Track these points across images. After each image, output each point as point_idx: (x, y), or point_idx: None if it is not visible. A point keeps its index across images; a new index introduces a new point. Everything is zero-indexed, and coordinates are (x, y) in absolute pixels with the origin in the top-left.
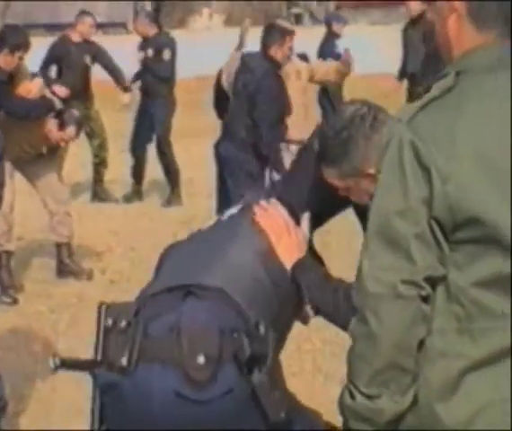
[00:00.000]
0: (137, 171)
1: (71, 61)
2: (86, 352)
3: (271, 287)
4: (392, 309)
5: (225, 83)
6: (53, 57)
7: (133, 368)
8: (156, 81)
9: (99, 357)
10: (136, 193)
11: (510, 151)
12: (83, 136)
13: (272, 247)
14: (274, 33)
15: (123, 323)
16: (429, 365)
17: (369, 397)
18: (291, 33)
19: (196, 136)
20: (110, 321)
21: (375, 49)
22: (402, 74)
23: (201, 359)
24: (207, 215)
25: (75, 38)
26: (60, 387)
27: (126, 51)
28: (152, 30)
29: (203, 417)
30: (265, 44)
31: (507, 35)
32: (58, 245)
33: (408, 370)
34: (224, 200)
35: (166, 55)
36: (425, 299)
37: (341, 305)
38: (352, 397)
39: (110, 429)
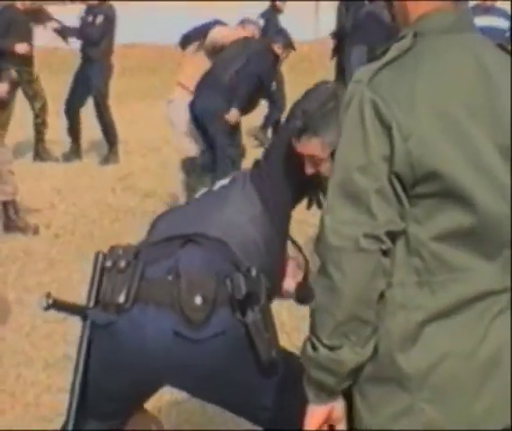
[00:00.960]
0: (73, 131)
1: (17, 27)
2: (33, 302)
3: (264, 247)
4: (354, 262)
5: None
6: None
7: (130, 306)
8: (88, 45)
9: (92, 302)
10: (74, 152)
11: (464, 107)
12: (22, 98)
13: (263, 212)
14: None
15: (122, 263)
16: (390, 317)
17: (331, 348)
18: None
19: (128, 100)
20: (109, 263)
21: None
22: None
23: (198, 300)
24: (142, 171)
25: (20, 6)
26: (9, 336)
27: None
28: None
29: (196, 356)
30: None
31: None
32: (4, 203)
33: (368, 322)
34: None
35: (98, 20)
36: (385, 253)
37: None
38: (314, 348)
39: (103, 367)
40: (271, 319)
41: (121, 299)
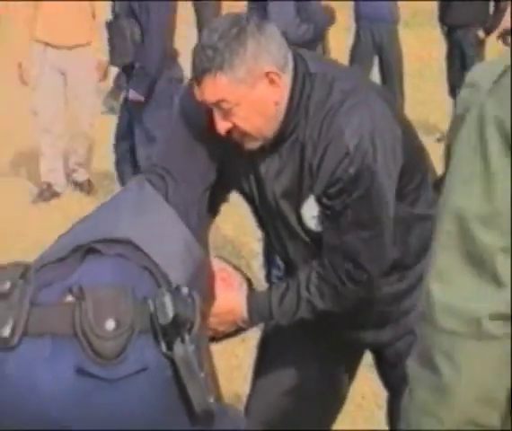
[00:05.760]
0: None
1: None
2: None
3: (187, 256)
4: (474, 353)
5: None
6: None
7: (17, 341)
8: None
9: None
10: None
11: None
12: None
13: (172, 212)
14: None
15: (7, 285)
16: None
17: None
18: None
19: None
20: None
21: None
22: None
23: (110, 324)
24: None
25: None
26: None
27: None
28: None
29: (108, 401)
30: None
31: None
32: None
33: (489, 427)
34: None
35: None
36: None
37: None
38: None
39: None
40: (208, 352)
41: (6, 332)
